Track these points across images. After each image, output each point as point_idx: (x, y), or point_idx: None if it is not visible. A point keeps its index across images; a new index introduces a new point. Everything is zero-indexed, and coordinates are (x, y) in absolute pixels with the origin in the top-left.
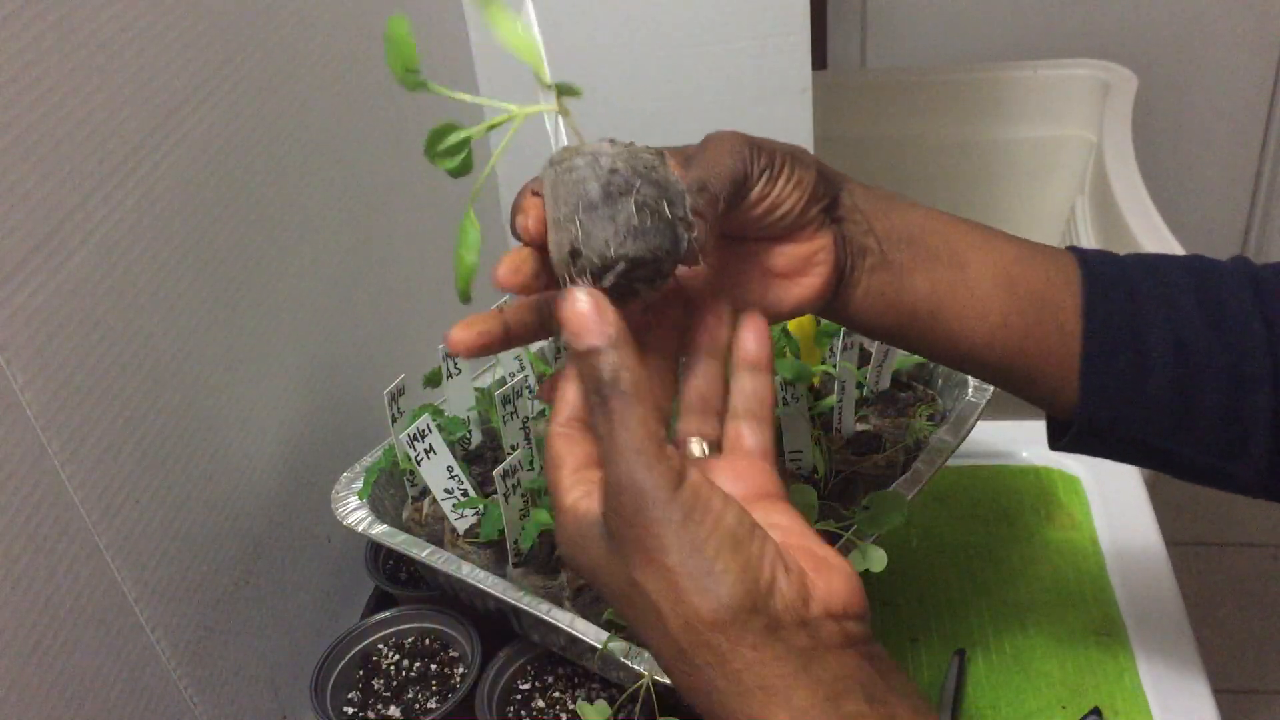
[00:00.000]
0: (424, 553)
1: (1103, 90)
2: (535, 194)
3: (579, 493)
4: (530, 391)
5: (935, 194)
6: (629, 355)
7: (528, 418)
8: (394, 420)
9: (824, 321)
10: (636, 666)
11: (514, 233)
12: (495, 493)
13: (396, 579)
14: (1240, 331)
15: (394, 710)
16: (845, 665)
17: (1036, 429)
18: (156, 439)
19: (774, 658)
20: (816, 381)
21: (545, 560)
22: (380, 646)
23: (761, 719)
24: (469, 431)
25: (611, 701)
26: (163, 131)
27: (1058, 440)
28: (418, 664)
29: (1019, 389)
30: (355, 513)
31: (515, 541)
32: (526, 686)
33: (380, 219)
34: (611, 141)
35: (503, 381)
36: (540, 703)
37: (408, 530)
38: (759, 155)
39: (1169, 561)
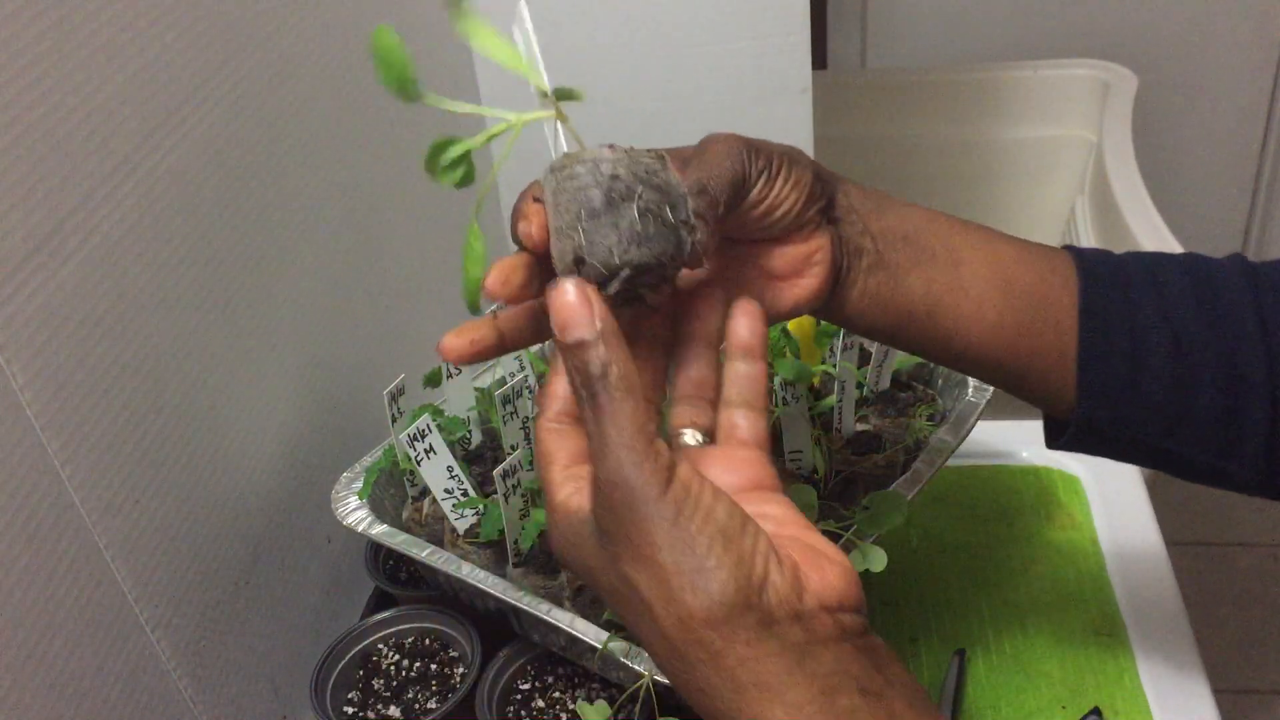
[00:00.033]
0: (424, 553)
1: (1103, 90)
2: (536, 200)
3: (570, 489)
4: (530, 392)
5: (935, 194)
6: (618, 348)
7: (528, 418)
8: (394, 420)
9: (824, 321)
10: (636, 666)
11: (515, 239)
12: (495, 493)
13: (396, 579)
14: (1236, 330)
15: (394, 710)
16: (840, 659)
17: (1036, 429)
18: (156, 439)
19: (768, 654)
20: (816, 381)
21: (545, 560)
22: (380, 646)
23: (757, 716)
24: (469, 431)
25: (611, 701)
26: (163, 131)
27: (1055, 439)
28: (418, 664)
29: (1016, 388)
30: (355, 513)
31: (515, 541)
32: (526, 686)
33: (380, 219)
34: (612, 146)
35: (503, 381)
36: (540, 703)
37: (408, 530)
38: (756, 157)
39: (1169, 561)
